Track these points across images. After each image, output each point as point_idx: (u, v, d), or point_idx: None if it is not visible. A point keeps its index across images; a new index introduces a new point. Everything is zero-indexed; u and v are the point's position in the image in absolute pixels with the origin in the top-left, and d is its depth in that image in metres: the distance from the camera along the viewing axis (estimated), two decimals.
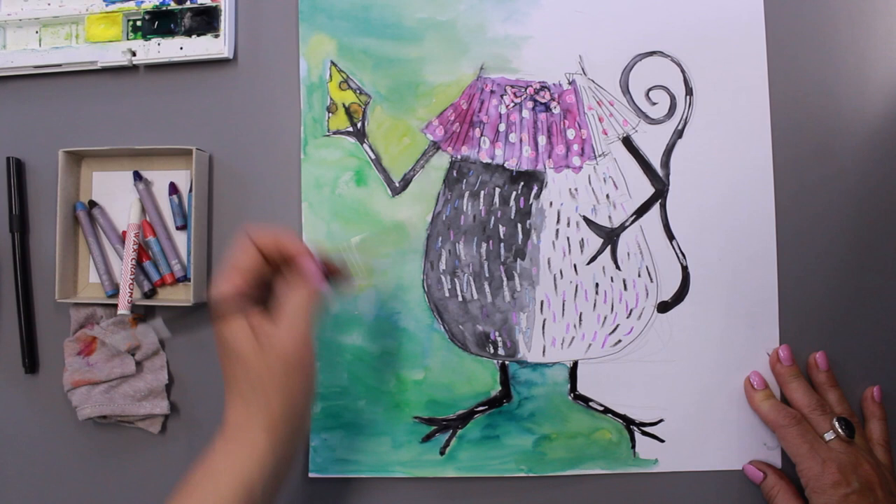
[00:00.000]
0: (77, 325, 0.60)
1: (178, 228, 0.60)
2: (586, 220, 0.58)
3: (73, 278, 0.60)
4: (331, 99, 0.59)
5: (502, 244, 0.58)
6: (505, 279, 0.58)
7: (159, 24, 0.60)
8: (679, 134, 0.58)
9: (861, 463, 0.51)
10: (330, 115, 0.59)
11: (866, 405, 0.56)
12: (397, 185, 0.59)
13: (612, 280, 0.57)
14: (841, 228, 0.57)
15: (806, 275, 0.57)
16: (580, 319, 0.57)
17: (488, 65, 0.58)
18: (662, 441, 0.57)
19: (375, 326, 0.58)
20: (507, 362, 0.58)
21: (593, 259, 0.58)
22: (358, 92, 0.59)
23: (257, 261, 0.47)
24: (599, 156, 0.58)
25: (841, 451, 0.52)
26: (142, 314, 0.60)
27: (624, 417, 0.57)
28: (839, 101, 0.58)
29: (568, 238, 0.58)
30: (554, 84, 0.58)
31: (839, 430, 0.52)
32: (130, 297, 0.57)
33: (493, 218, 0.58)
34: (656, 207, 0.57)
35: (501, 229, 0.58)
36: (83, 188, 0.60)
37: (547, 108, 0.58)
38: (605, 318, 0.57)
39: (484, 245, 0.58)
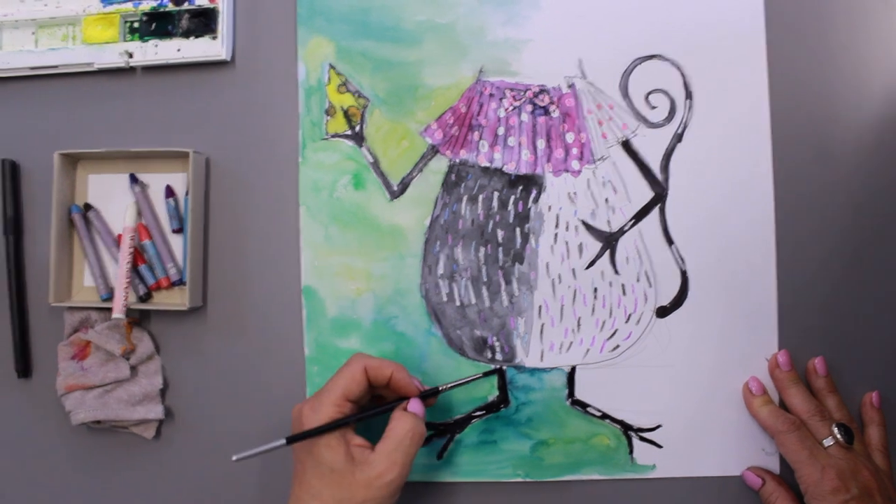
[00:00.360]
0: (71, 329, 0.59)
1: (174, 232, 0.59)
2: (585, 224, 0.58)
3: (68, 282, 0.59)
4: (329, 102, 0.59)
5: (500, 248, 0.58)
6: (503, 283, 0.57)
7: (157, 25, 0.60)
8: (679, 138, 0.57)
9: (860, 469, 0.51)
10: (328, 118, 0.59)
11: (865, 411, 0.56)
12: (395, 188, 0.58)
13: (610, 285, 0.57)
14: (840, 233, 0.57)
15: (805, 280, 0.57)
16: (578, 324, 0.57)
17: (487, 68, 0.58)
18: (660, 447, 0.57)
19: (373, 331, 0.58)
20: (504, 367, 0.57)
21: (592, 263, 0.57)
22: (356, 95, 0.59)
23: (367, 391, 0.51)
24: (598, 160, 0.58)
25: (840, 458, 0.52)
26: (137, 318, 0.59)
27: (622, 423, 0.57)
28: (839, 106, 0.58)
29: (566, 242, 0.57)
30: (553, 87, 0.58)
31: (838, 436, 0.52)
32: (125, 300, 0.56)
33: (491, 222, 0.58)
34: (655, 212, 0.57)
35: (500, 233, 0.58)
36: (79, 191, 0.60)
37: (546, 111, 0.58)
38: (604, 322, 0.57)
39: (482, 249, 0.58)
